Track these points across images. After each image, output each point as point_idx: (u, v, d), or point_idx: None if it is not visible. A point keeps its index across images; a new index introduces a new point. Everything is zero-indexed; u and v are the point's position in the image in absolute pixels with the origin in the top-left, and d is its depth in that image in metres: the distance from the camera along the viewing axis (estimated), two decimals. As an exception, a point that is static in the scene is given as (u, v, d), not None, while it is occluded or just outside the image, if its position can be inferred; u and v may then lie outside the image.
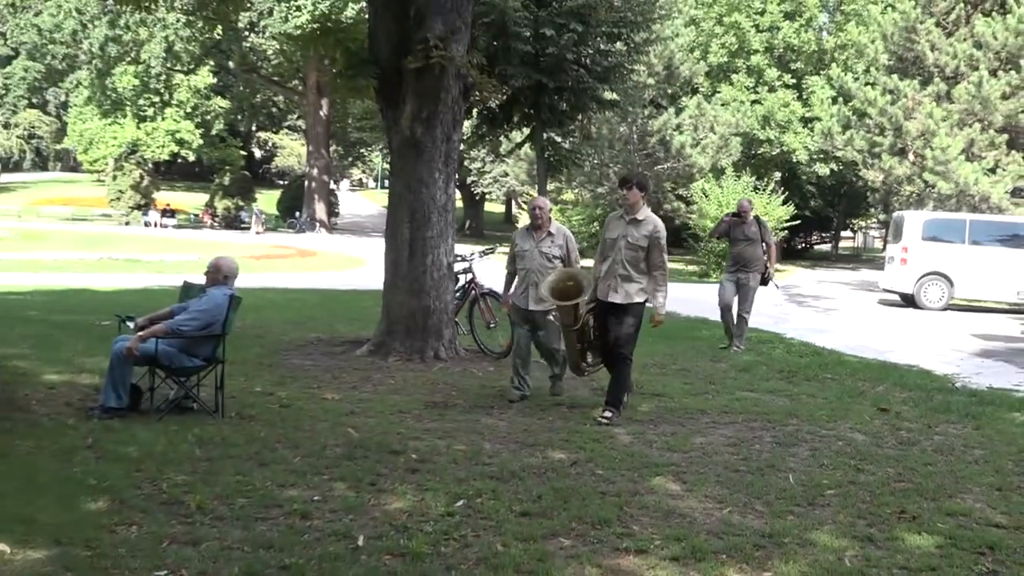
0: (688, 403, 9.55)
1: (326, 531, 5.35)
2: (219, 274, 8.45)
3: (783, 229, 36.34)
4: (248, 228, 50.73)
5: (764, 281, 13.79)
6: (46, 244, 33.31)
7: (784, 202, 36.04)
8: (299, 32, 36.14)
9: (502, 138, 23.26)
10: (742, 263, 13.57)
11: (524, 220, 43.34)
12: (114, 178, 52.33)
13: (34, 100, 76.76)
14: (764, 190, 35.92)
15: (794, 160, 42.15)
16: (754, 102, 42.33)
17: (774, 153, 42.15)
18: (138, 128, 52.01)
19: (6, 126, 74.51)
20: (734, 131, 37.84)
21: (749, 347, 13.89)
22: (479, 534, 5.44)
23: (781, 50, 43.84)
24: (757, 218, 13.87)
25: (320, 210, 51.35)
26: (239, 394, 8.97)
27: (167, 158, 55.22)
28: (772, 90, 42.78)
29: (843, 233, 58.82)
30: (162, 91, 52.28)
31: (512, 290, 9.75)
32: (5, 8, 61.43)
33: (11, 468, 6.32)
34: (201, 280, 8.74)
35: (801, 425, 8.69)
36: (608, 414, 8.51)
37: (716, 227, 14.60)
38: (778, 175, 41.33)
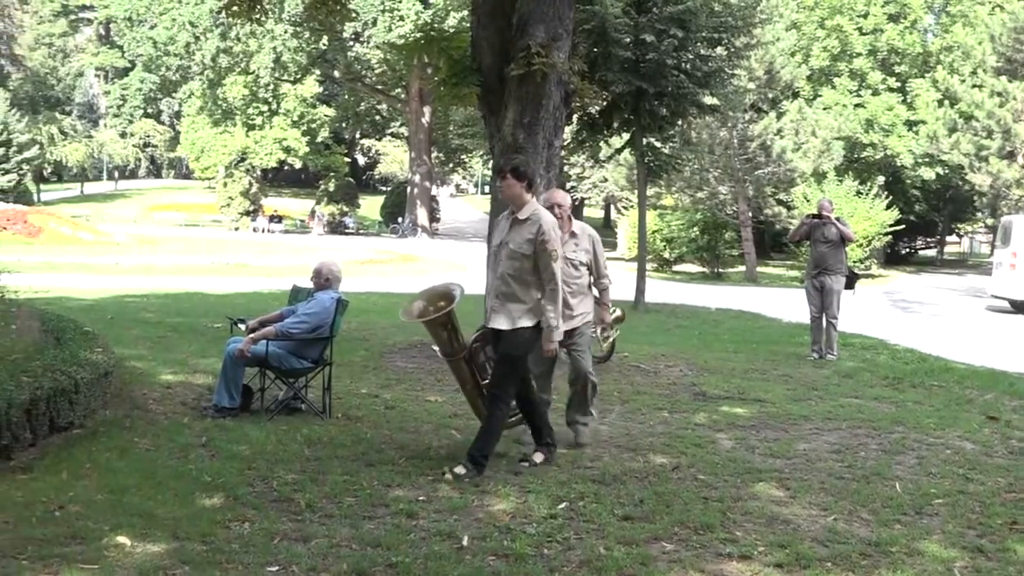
0: (791, 409, 9.41)
1: (431, 531, 5.39)
2: (326, 278, 8.60)
3: (887, 234, 35.60)
4: (346, 230, 51.50)
5: (849, 284, 13.31)
6: (160, 249, 34.21)
7: (888, 206, 35.33)
8: (402, 41, 36.52)
9: (602, 144, 23.19)
10: (824, 266, 13.03)
11: (624, 227, 43.34)
12: (224, 185, 53.60)
13: (149, 110, 78.95)
14: (867, 194, 35.24)
15: (898, 164, 41.22)
16: (857, 105, 41.51)
17: (877, 157, 41.28)
18: (247, 136, 53.09)
19: (123, 135, 76.71)
20: (836, 135, 37.16)
21: (853, 353, 13.63)
22: (581, 537, 5.44)
23: (885, 53, 42.92)
24: (839, 219, 13.35)
25: (422, 216, 51.84)
26: (345, 395, 9.11)
27: (274, 165, 56.29)
28: (876, 93, 41.90)
29: (949, 238, 57.29)
30: (270, 100, 53.31)
31: None
32: (123, 22, 63.33)
33: (131, 464, 6.52)
34: (309, 284, 8.90)
35: (907, 433, 8.50)
36: (460, 470, 6.53)
37: (796, 229, 14.08)
38: (881, 179, 40.41)
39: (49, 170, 69.62)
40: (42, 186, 65.57)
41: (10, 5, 65.69)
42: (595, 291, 7.88)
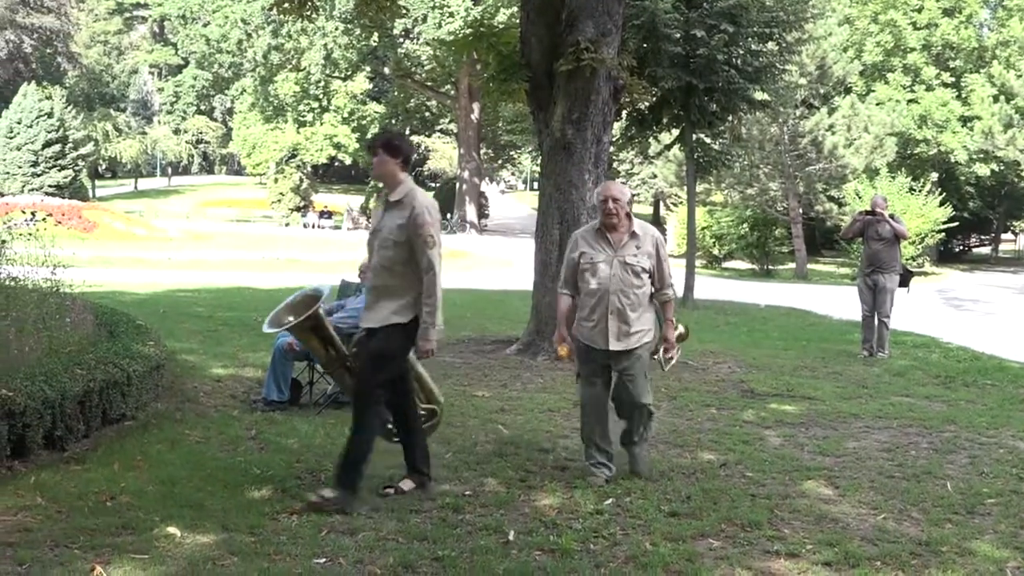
0: (841, 407, 9.30)
1: (477, 525, 5.40)
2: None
3: (940, 231, 35.11)
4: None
5: (904, 282, 13.06)
6: (212, 244, 34.58)
7: (941, 203, 34.83)
8: (452, 38, 36.62)
9: (651, 140, 23.09)
10: (877, 264, 12.74)
11: (674, 223, 43.07)
12: (275, 181, 54.05)
13: (202, 107, 79.84)
14: (920, 191, 34.78)
15: (952, 160, 40.60)
16: (910, 101, 40.94)
17: (931, 153, 40.70)
18: (298, 133, 53.49)
19: (176, 132, 77.55)
20: (889, 131, 36.64)
21: (904, 351, 13.45)
22: (628, 533, 5.42)
23: (939, 48, 42.29)
24: (892, 216, 13.07)
25: (471, 212, 51.92)
26: (393, 390, 9.13)
27: (325, 161, 56.70)
28: (930, 89, 41.29)
29: (1004, 235, 56.35)
30: (321, 97, 53.66)
31: (575, 324, 6.61)
32: (176, 19, 64.06)
33: (182, 456, 6.60)
34: (357, 279, 8.94)
35: (959, 432, 8.37)
36: (328, 494, 5.66)
37: (849, 226, 13.76)
38: (935, 176, 39.88)
39: (104, 166, 70.61)
40: (97, 182, 66.52)
41: (66, 3, 66.60)
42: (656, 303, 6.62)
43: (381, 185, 6.17)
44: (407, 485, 5.96)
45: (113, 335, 8.87)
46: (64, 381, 6.65)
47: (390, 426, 6.34)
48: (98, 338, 8.62)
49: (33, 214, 15.01)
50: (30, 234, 9.64)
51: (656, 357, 6.69)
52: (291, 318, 6.21)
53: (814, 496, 6.25)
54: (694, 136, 20.11)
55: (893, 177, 35.36)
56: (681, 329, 7.15)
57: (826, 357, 12.64)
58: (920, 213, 33.97)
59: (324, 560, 4.82)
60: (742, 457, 7.19)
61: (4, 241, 8.74)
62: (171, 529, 5.14)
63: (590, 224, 6.69)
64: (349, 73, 54.18)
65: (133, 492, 5.76)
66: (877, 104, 39.49)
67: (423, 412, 6.49)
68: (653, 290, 6.47)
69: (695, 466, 6.91)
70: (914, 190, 35.00)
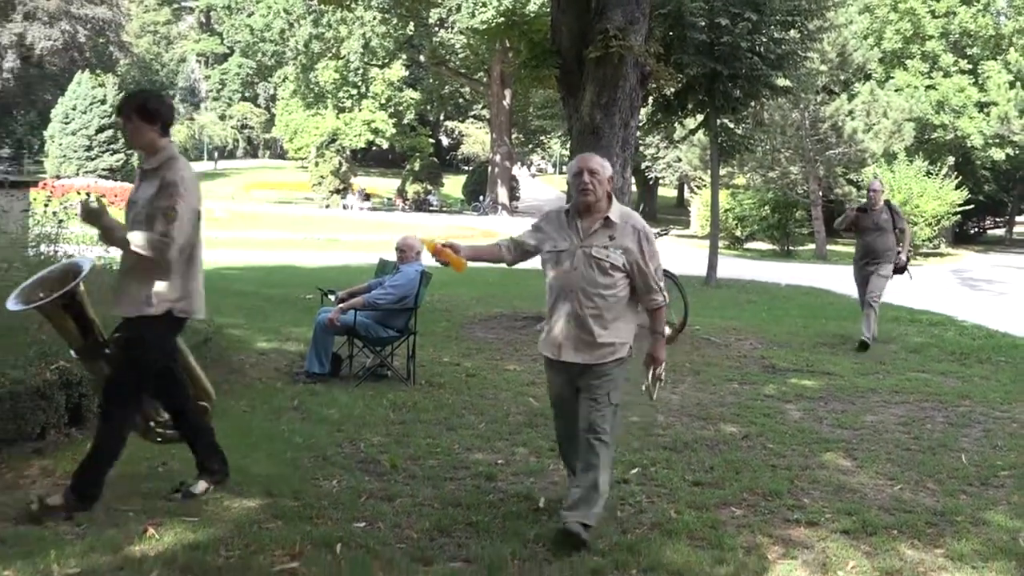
0: (859, 382, 9.26)
1: (509, 492, 5.42)
2: (411, 252, 8.66)
3: (955, 214, 34.74)
4: (431, 207, 51.82)
5: (900, 270, 11.74)
6: (256, 224, 34.71)
7: (957, 187, 34.48)
8: (485, 27, 36.47)
9: (676, 124, 22.93)
10: (872, 255, 11.56)
11: (697, 206, 42.80)
12: (316, 164, 54.11)
13: (246, 94, 79.91)
14: (937, 175, 34.42)
15: (968, 145, 40.03)
16: (928, 87, 40.38)
17: (948, 138, 40.12)
18: (337, 119, 53.44)
19: (222, 117, 77.87)
20: (907, 116, 36.18)
21: (920, 329, 13.33)
22: (653, 501, 5.44)
23: (957, 35, 41.63)
24: (888, 203, 11.89)
25: (502, 194, 51.81)
26: (428, 363, 9.18)
27: (363, 146, 56.63)
28: (947, 75, 40.69)
29: (1018, 218, 55.57)
30: (359, 84, 53.57)
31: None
32: (222, 10, 64.17)
33: (229, 425, 6.63)
34: (395, 258, 8.96)
35: (974, 407, 8.31)
36: (54, 500, 4.78)
37: (842, 219, 12.22)
38: (951, 160, 39.33)
39: (154, 150, 71.01)
40: (147, 165, 66.92)
41: (119, -5, 67.10)
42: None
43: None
44: (199, 487, 5.20)
45: (163, 310, 8.92)
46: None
47: (154, 424, 5.45)
48: (149, 313, 8.67)
49: (88, 195, 15.03)
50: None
51: (645, 385, 5.15)
52: (42, 295, 5.06)
53: (833, 467, 6.23)
54: (718, 121, 19.94)
55: (911, 161, 34.99)
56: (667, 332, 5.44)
57: (845, 334, 12.53)
58: (936, 196, 33.63)
59: (363, 524, 4.86)
60: (763, 430, 7.18)
61: (61, 221, 8.82)
62: (219, 493, 5.18)
63: (560, 207, 5.14)
64: (386, 61, 54.06)
65: (183, 459, 5.80)
66: (896, 90, 39.01)
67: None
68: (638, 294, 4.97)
69: (718, 438, 6.90)
70: (931, 174, 34.64)
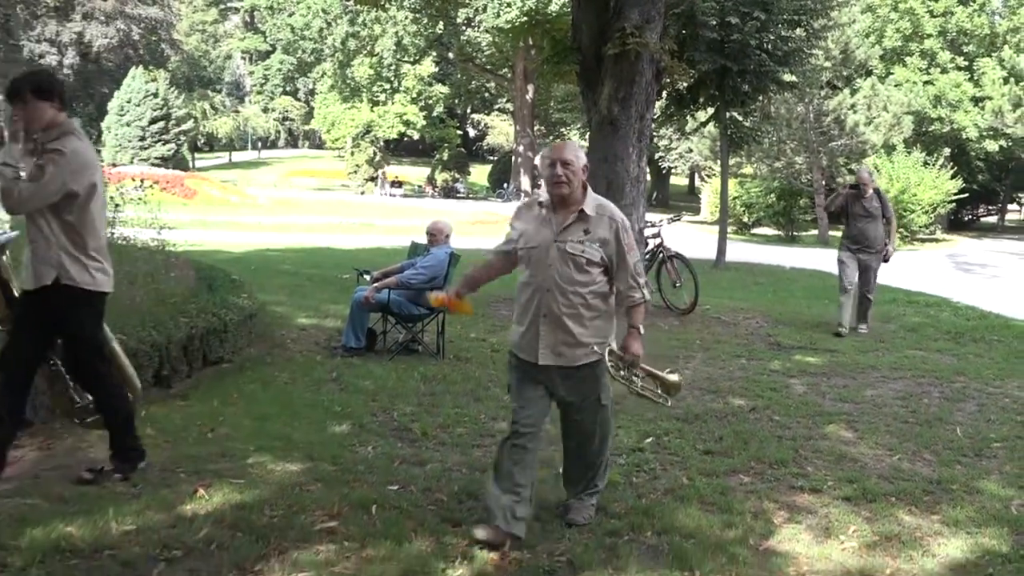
0: (859, 359, 9.18)
1: (532, 459, 5.41)
2: (440, 235, 8.65)
3: (951, 202, 34.40)
4: (458, 194, 51.75)
5: (885, 259, 11.02)
6: (296, 210, 34.78)
7: (952, 176, 34.12)
8: (509, 26, 36.29)
9: (688, 117, 22.75)
10: (864, 242, 10.81)
11: (708, 193, 42.56)
12: (352, 154, 54.12)
13: (287, 88, 79.84)
14: (933, 165, 34.08)
15: (963, 137, 39.54)
16: (926, 83, 39.85)
17: (944, 131, 39.62)
18: (372, 111, 53.31)
19: (265, 110, 77.88)
20: (906, 110, 35.76)
21: (917, 310, 13.20)
22: (666, 468, 5.42)
23: (954, 34, 41.08)
24: (878, 191, 11.05)
25: (525, 182, 51.62)
26: (457, 339, 9.17)
27: (395, 137, 56.54)
28: (944, 72, 40.16)
29: (1010, 206, 54.95)
30: (392, 79, 53.41)
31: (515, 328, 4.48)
32: (265, 10, 64.12)
33: (273, 395, 6.68)
34: (425, 241, 8.96)
35: (968, 383, 8.23)
36: (108, 467, 4.84)
37: (832, 199, 11.51)
38: (947, 151, 38.83)
39: (202, 141, 71.16)
40: (196, 155, 67.07)
41: (170, -4, 67.19)
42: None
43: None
44: (111, 466, 4.86)
45: (211, 288, 8.97)
46: (170, 328, 6.75)
47: (79, 403, 5.07)
48: (198, 290, 8.72)
49: (142, 182, 15.09)
50: (140, 199, 9.77)
51: (620, 374, 4.41)
52: None
53: (835, 438, 6.20)
54: (728, 114, 19.74)
55: (909, 152, 34.61)
56: (674, 377, 4.73)
57: (846, 314, 12.46)
58: (933, 185, 33.28)
59: (397, 487, 4.87)
60: (770, 403, 7.14)
61: (118, 205, 8.86)
62: (263, 458, 5.21)
63: (533, 197, 4.66)
64: (417, 58, 53.90)
65: (230, 425, 5.85)
66: (896, 85, 38.56)
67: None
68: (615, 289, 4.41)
69: (727, 410, 6.87)
70: (928, 164, 34.27)
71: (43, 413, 5.53)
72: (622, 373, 4.41)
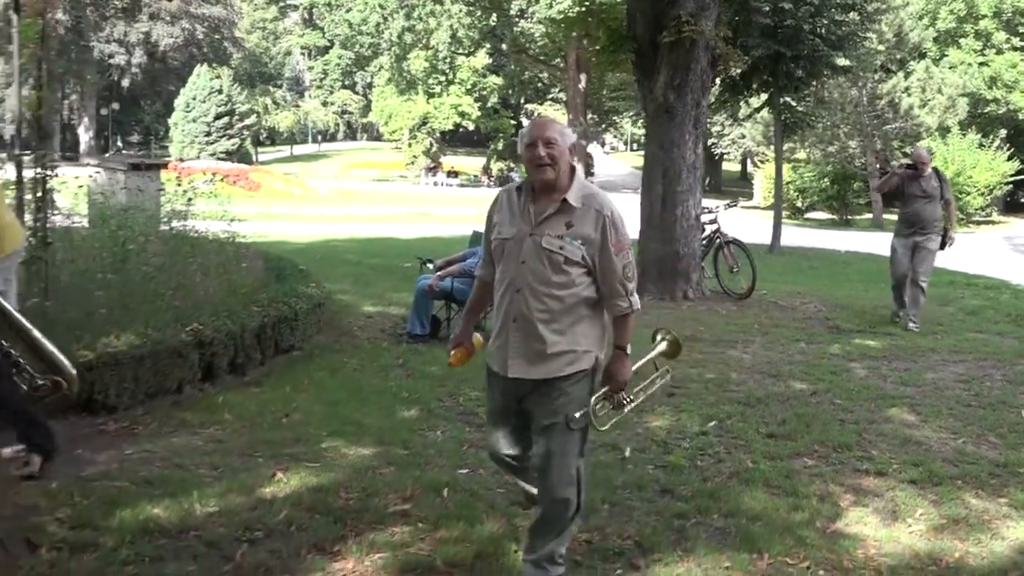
0: (919, 342, 9.01)
1: (597, 442, 5.38)
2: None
3: (1007, 183, 33.61)
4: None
5: (943, 245, 9.94)
6: (356, 201, 35.03)
7: (1009, 158, 33.34)
8: (561, 16, 36.14)
9: (742, 103, 22.49)
10: (919, 224, 9.78)
11: (760, 179, 42.01)
12: (409, 145, 54.45)
13: (346, 82, 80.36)
14: (989, 147, 33.32)
15: (1021, 118, 38.58)
16: (981, 64, 38.91)
17: (1000, 112, 38.67)
18: (428, 103, 53.51)
19: (324, 104, 78.56)
20: (961, 92, 35.00)
21: (976, 292, 12.91)
22: (730, 451, 5.37)
23: (1009, 14, 40.01)
24: (936, 170, 10.01)
25: (579, 169, 51.62)
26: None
27: (451, 128, 56.67)
28: (1000, 52, 39.17)
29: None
30: (447, 72, 53.53)
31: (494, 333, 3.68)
32: (323, 7, 64.62)
33: (342, 381, 6.74)
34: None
35: (1031, 365, 8.03)
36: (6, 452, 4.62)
37: (886, 180, 10.39)
38: (1004, 132, 37.90)
39: (264, 135, 71.95)
40: (259, 148, 67.87)
41: (231, -4, 68.00)
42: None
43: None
44: (11, 454, 4.62)
45: (280, 278, 9.08)
46: (243, 317, 6.84)
47: None
48: (268, 281, 8.83)
49: (213, 175, 15.28)
50: (211, 193, 9.91)
51: (595, 405, 3.60)
52: None
53: (898, 421, 6.09)
54: (781, 100, 19.50)
55: (964, 134, 33.89)
56: (663, 347, 4.14)
57: (903, 297, 12.24)
58: (989, 167, 32.61)
59: (466, 470, 4.89)
60: (831, 386, 7.04)
61: (191, 199, 8.99)
62: (336, 442, 5.27)
63: (515, 183, 3.74)
64: (471, 50, 53.97)
65: (303, 411, 5.92)
66: (950, 67, 37.72)
67: (43, 382, 4.63)
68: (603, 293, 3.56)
69: (788, 393, 6.79)
70: (983, 145, 33.54)
71: (126, 400, 5.66)
72: (609, 407, 3.66)
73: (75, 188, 8.70)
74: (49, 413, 5.05)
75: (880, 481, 4.91)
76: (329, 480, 4.64)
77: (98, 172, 11.75)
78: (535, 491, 3.74)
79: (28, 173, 6.50)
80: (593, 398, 3.58)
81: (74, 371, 4.75)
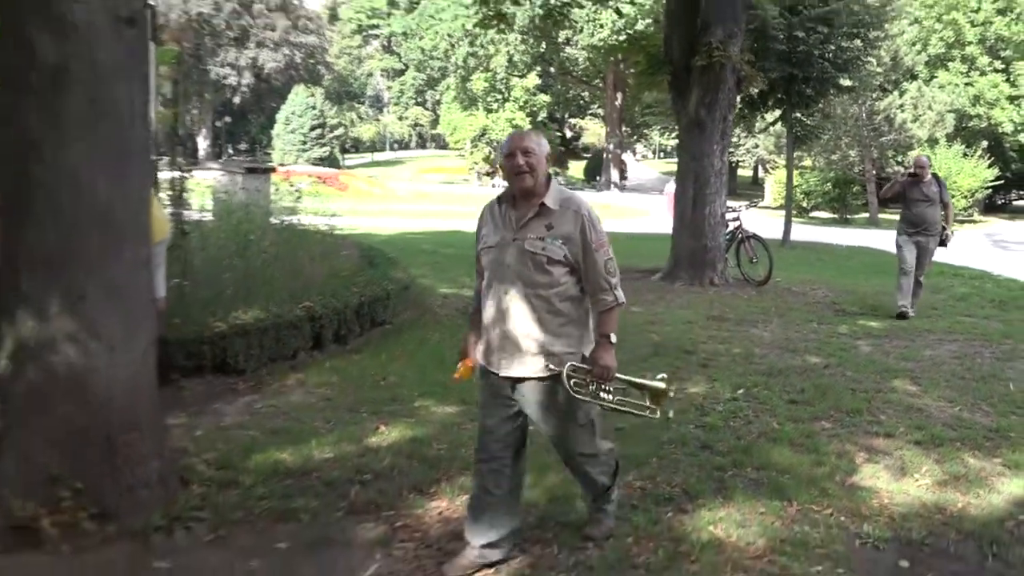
0: (916, 324, 8.84)
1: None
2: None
3: (987, 188, 32.90)
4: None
5: (942, 243, 9.65)
6: (428, 200, 35.14)
7: (989, 166, 32.65)
8: (601, 44, 35.79)
9: (758, 118, 22.13)
10: (923, 225, 9.41)
11: (771, 183, 41.44)
12: (471, 153, 54.48)
13: (418, 100, 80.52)
14: (972, 156, 32.63)
15: (1000, 131, 37.48)
16: (967, 84, 37.84)
17: (982, 126, 37.57)
18: (486, 118, 53.43)
19: (400, 118, 78.89)
20: (948, 108, 34.10)
21: (963, 281, 12.59)
22: (758, 415, 5.33)
23: (992, 41, 38.83)
24: (936, 176, 9.67)
25: (614, 175, 51.15)
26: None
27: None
28: (983, 74, 38.05)
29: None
30: (503, 91, 53.39)
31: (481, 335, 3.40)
32: (400, 36, 64.78)
33: (428, 351, 6.80)
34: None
35: (1016, 345, 7.85)
36: None
37: (889, 187, 9.99)
38: (985, 143, 36.85)
39: (349, 144, 72.50)
40: (345, 155, 68.38)
41: (323, 26, 68.38)
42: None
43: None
44: None
45: (373, 264, 9.17)
46: (345, 296, 6.94)
47: None
48: (363, 266, 8.93)
49: (318, 179, 15.51)
50: (315, 192, 10.02)
51: (586, 390, 3.26)
52: None
53: (902, 391, 6.00)
54: (793, 115, 19.15)
55: (950, 145, 33.08)
56: (661, 384, 3.53)
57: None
58: (972, 174, 31.94)
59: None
60: (841, 360, 6.95)
61: (299, 197, 9.10)
62: (426, 402, 5.33)
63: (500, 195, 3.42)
64: (524, 72, 53.65)
65: (397, 375, 5.99)
66: (939, 87, 36.69)
67: None
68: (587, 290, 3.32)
69: (805, 366, 6.71)
70: (967, 155, 32.82)
71: (253, 364, 5.76)
72: (590, 389, 3.26)
73: (203, 188, 8.86)
74: (186, 375, 5.19)
75: (889, 442, 4.85)
76: (423, 433, 4.70)
77: (222, 175, 11.95)
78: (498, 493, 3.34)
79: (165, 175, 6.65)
80: (572, 367, 3.21)
81: None
